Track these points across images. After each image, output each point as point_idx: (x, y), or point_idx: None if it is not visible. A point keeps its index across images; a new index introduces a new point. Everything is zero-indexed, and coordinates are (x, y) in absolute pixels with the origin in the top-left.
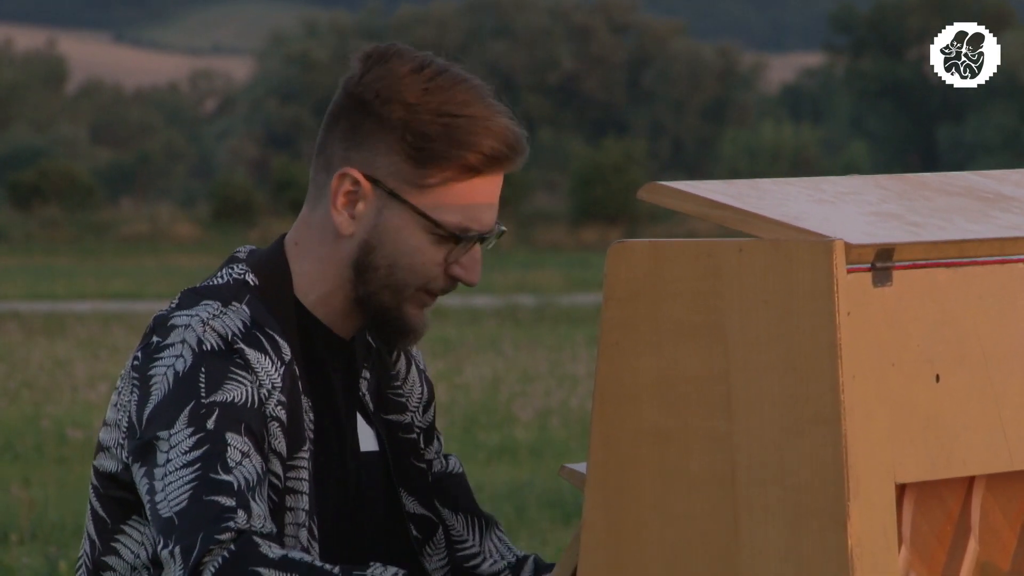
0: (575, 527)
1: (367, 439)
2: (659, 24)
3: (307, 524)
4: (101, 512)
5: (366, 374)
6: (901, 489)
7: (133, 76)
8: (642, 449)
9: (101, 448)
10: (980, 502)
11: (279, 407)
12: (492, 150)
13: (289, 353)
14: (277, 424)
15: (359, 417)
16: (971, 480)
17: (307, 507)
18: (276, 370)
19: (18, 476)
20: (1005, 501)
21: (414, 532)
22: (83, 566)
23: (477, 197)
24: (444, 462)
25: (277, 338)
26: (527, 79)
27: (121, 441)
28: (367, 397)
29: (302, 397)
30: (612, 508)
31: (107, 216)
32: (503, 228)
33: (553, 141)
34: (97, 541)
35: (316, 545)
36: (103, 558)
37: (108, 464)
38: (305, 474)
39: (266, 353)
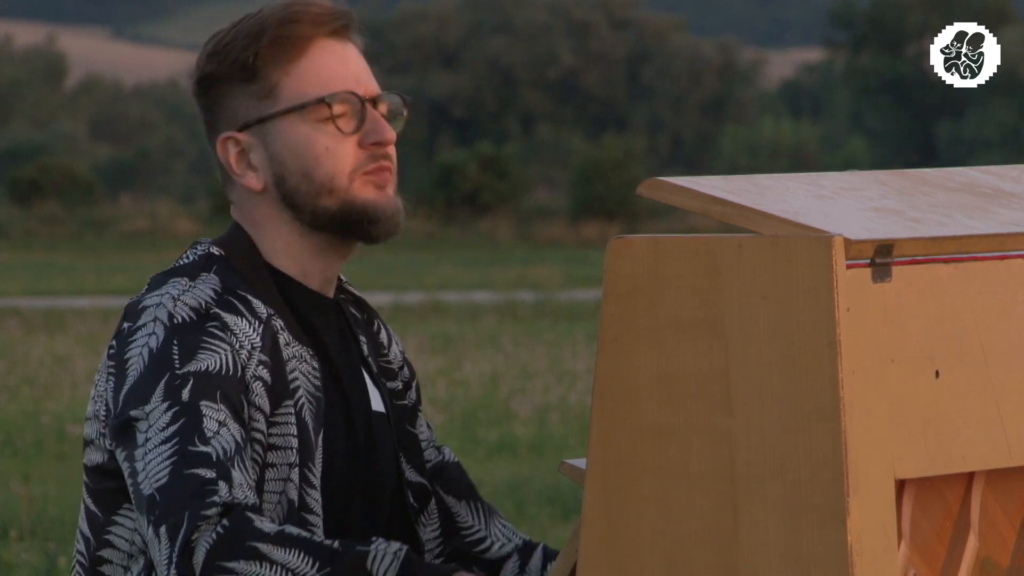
0: (575, 523)
1: (376, 400)
2: (659, 20)
3: (293, 477)
4: (93, 508)
5: (362, 338)
6: (901, 485)
7: (133, 72)
8: (642, 445)
9: (87, 443)
10: (980, 498)
11: (261, 367)
12: (306, 16)
13: (266, 311)
14: (261, 384)
15: (367, 378)
16: (971, 476)
17: (291, 460)
18: (254, 330)
19: (18, 472)
20: (1004, 497)
21: (411, 500)
22: (78, 565)
23: (323, 65)
24: (439, 452)
25: (250, 298)
26: (527, 75)
27: (102, 431)
28: (370, 359)
29: (290, 347)
30: (612, 504)
31: (107, 212)
32: (403, 96)
33: (553, 137)
34: (92, 538)
35: (315, 493)
36: (98, 552)
37: (95, 457)
38: (291, 428)
39: (242, 315)
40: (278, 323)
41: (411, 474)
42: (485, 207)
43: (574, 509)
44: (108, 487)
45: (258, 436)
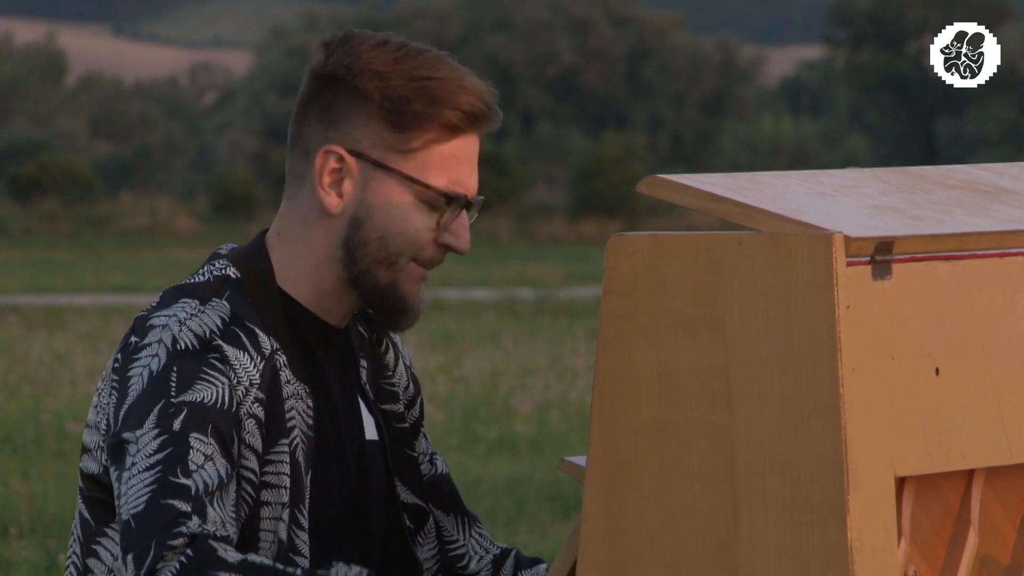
0: (575, 520)
1: (369, 428)
2: (659, 17)
3: (284, 516)
4: (86, 514)
5: (363, 363)
6: (900, 482)
7: (133, 69)
8: (642, 442)
9: (84, 450)
10: (980, 495)
11: (256, 404)
12: (471, 107)
13: (270, 346)
14: (254, 422)
15: (362, 406)
16: (971, 473)
17: (284, 500)
18: (255, 366)
19: (18, 470)
20: (1004, 494)
21: (407, 522)
22: (71, 566)
23: (461, 158)
24: (432, 464)
25: (257, 331)
26: (527, 72)
27: (101, 443)
28: (367, 386)
29: (290, 385)
30: (612, 501)
31: (107, 209)
32: (483, 198)
33: (553, 134)
34: (83, 543)
35: (303, 535)
36: (87, 560)
37: (91, 466)
38: (284, 467)
39: (245, 349)
40: (281, 359)
41: (407, 496)
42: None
43: (574, 507)
44: (99, 498)
45: (248, 475)
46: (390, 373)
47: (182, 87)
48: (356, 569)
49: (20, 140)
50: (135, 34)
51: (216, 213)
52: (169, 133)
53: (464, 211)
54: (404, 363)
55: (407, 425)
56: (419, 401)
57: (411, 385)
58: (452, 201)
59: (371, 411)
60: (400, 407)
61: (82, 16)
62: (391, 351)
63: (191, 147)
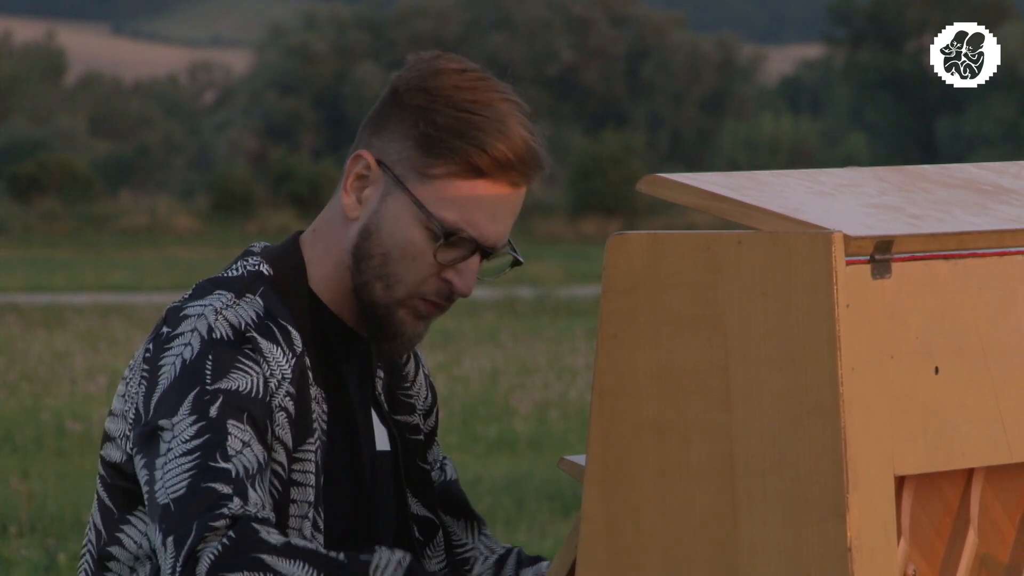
0: (574, 519)
1: (381, 438)
2: (658, 16)
3: (310, 516)
4: (108, 502)
5: (380, 373)
6: (900, 481)
7: (132, 68)
8: (641, 441)
9: (108, 438)
10: (979, 494)
11: (287, 398)
12: (500, 155)
13: (301, 344)
14: (284, 415)
15: (374, 415)
16: (970, 472)
17: (311, 499)
18: (287, 361)
19: (17, 468)
20: (1004, 493)
21: (416, 534)
22: (87, 555)
23: (479, 201)
24: (443, 471)
25: (290, 328)
26: (526, 71)
27: (127, 432)
28: (382, 396)
29: (313, 388)
30: (611, 500)
31: (106, 208)
32: (518, 257)
33: (552, 133)
34: (103, 531)
35: (320, 537)
36: (108, 548)
37: (114, 454)
38: (311, 466)
39: (278, 344)
40: (306, 360)
41: (417, 508)
42: None
43: (573, 506)
44: (123, 486)
45: (276, 469)
46: (408, 384)
47: (181, 86)
48: (399, 553)
49: (19, 139)
50: (134, 33)
51: (215, 212)
52: (168, 132)
53: (476, 256)
54: (424, 372)
55: (421, 437)
56: (435, 410)
57: (429, 395)
58: (452, 238)
59: (384, 422)
60: (416, 419)
61: (82, 15)
62: (411, 361)
63: (190, 146)
